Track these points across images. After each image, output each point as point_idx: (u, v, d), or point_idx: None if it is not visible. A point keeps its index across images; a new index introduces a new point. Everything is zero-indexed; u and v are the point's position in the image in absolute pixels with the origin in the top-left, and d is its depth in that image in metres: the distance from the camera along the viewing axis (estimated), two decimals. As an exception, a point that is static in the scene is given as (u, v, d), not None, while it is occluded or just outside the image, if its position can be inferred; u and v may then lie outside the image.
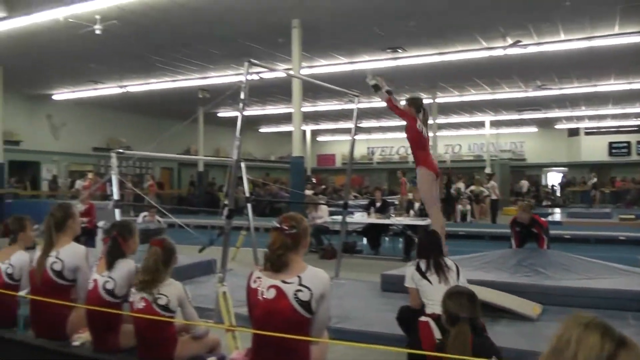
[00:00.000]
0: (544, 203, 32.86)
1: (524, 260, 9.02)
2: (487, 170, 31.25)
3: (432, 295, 5.26)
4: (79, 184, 23.72)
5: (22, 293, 5.21)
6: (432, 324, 4.85)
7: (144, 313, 4.31)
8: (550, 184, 39.19)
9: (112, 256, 4.72)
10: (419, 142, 7.52)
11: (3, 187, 21.70)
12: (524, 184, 35.05)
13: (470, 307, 3.91)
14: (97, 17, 14.13)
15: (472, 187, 23.46)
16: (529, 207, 10.15)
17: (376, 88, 7.72)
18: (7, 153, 22.42)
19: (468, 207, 22.17)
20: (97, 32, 14.44)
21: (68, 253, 4.88)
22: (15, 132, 25.20)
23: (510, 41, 16.15)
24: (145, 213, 14.45)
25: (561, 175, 39.21)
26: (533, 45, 16.50)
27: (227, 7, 13.69)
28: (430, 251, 5.59)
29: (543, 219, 10.46)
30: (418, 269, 5.49)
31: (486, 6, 13.71)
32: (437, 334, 4.72)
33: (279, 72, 15.97)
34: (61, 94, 25.99)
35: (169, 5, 13.46)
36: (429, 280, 5.39)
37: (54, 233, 4.95)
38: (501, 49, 16.65)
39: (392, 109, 7.58)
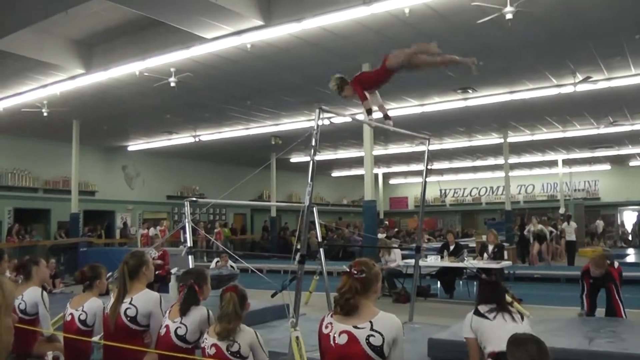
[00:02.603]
0: (619, 244, 31.85)
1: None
2: (561, 211, 30.62)
3: (492, 332, 4.88)
4: (152, 231, 24.13)
5: (95, 338, 5.32)
6: None
7: (216, 359, 4.35)
8: (625, 223, 37.84)
9: (188, 303, 4.80)
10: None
11: (78, 236, 22.25)
12: (599, 224, 34.07)
13: (540, 356, 3.48)
14: (172, 69, 14.52)
15: (530, 227, 22.73)
16: (603, 259, 9.07)
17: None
18: (82, 203, 23.06)
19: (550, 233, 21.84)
20: (172, 84, 14.82)
21: (141, 299, 4.96)
22: (91, 182, 26.00)
23: (580, 77, 15.93)
24: (218, 259, 14.63)
25: (636, 214, 37.92)
26: (603, 81, 16.25)
27: (297, 55, 13.91)
28: (497, 300, 5.16)
29: (617, 265, 9.32)
30: (476, 312, 5.13)
31: (555, 43, 13.58)
32: None
33: (349, 117, 16.06)
34: (136, 145, 26.71)
35: (240, 55, 13.74)
36: (488, 319, 4.99)
37: (128, 280, 5.04)
38: (571, 85, 16.43)
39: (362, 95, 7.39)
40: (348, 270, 3.81)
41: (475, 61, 7.53)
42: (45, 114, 17.89)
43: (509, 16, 10.67)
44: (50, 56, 14.22)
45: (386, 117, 7.79)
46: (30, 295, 6.00)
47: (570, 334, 7.41)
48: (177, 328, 4.70)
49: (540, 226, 22.33)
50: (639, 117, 21.80)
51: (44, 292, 6.13)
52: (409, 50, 7.26)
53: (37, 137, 23.33)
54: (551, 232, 22.55)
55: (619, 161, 34.76)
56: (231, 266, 14.06)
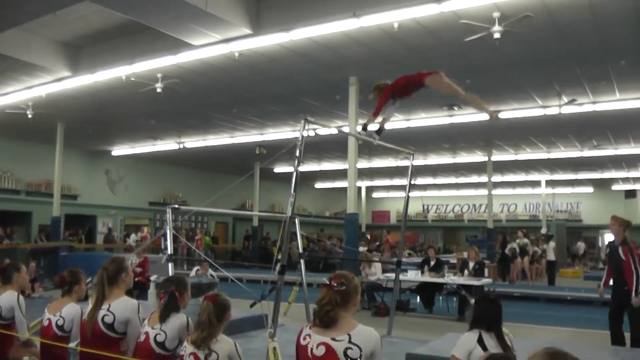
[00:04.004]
0: (600, 266, 31.92)
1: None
2: (543, 231, 30.76)
3: None
4: (132, 238, 24.13)
5: (72, 345, 5.26)
6: None
7: (193, 368, 4.32)
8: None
9: (168, 310, 4.76)
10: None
11: (59, 240, 22.10)
12: (581, 245, 34.22)
13: None
14: (159, 75, 14.49)
15: (517, 240, 22.80)
16: (623, 219, 9.12)
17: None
18: (64, 207, 22.97)
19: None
20: (158, 90, 14.79)
21: (119, 306, 4.91)
22: (74, 186, 25.84)
23: (565, 100, 16.05)
24: (198, 267, 14.54)
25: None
26: (588, 104, 16.39)
27: (285, 65, 13.91)
28: (496, 322, 4.70)
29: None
30: (481, 343, 4.55)
31: (541, 64, 13.67)
32: None
33: (334, 129, 16.10)
34: (120, 150, 26.63)
35: (227, 64, 13.72)
36: None
37: (107, 286, 5.00)
38: (556, 107, 16.54)
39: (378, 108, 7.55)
40: (328, 282, 3.80)
41: (496, 116, 7.64)
42: (29, 116, 17.79)
43: (496, 35, 10.73)
44: (37, 57, 14.15)
45: (380, 131, 7.80)
46: (6, 299, 5.94)
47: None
48: (156, 335, 4.66)
49: (525, 240, 22.42)
50: (623, 142, 21.99)
51: (20, 297, 6.05)
52: (455, 87, 7.45)
53: (20, 138, 23.21)
54: (535, 252, 22.66)
55: (602, 185, 35.03)
56: (211, 275, 13.98)
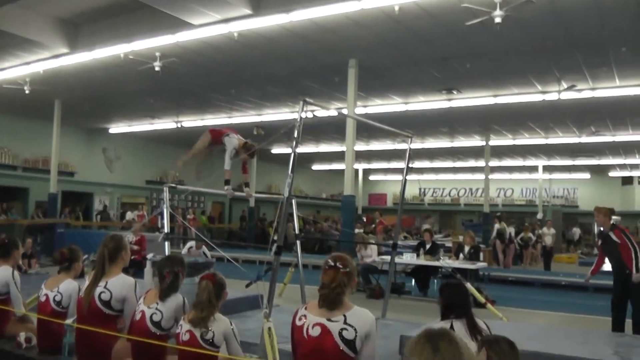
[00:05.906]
0: (595, 252, 31.97)
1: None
2: (539, 216, 30.77)
3: None
4: (129, 215, 24.23)
5: (68, 321, 5.27)
6: None
7: (188, 346, 4.33)
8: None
9: (171, 289, 4.78)
10: None
11: (55, 217, 22.10)
12: (576, 231, 34.23)
13: (513, 356, 3.45)
14: (157, 54, 14.42)
15: (522, 235, 22.75)
16: (605, 209, 9.25)
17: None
18: (61, 184, 22.97)
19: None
20: (157, 69, 14.72)
21: (117, 284, 4.92)
22: (71, 163, 25.84)
23: (565, 85, 16.02)
24: (192, 244, 14.49)
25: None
26: (588, 90, 16.36)
27: (284, 46, 13.87)
28: (465, 308, 4.58)
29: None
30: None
31: (542, 50, 13.64)
32: None
33: (333, 111, 16.06)
34: (117, 128, 26.58)
35: (227, 44, 13.68)
36: None
37: (107, 263, 5.01)
38: (556, 93, 16.52)
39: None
40: (333, 264, 3.81)
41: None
42: (27, 92, 17.72)
43: (497, 20, 10.67)
44: (35, 33, 14.08)
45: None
46: (1, 274, 5.94)
47: (544, 338, 7.44)
48: (152, 314, 4.67)
49: (502, 224, 22.35)
50: (621, 129, 21.99)
51: (15, 272, 6.05)
52: None
53: (17, 114, 23.15)
54: (529, 239, 22.60)
55: (599, 171, 35.07)
56: (204, 253, 13.96)
